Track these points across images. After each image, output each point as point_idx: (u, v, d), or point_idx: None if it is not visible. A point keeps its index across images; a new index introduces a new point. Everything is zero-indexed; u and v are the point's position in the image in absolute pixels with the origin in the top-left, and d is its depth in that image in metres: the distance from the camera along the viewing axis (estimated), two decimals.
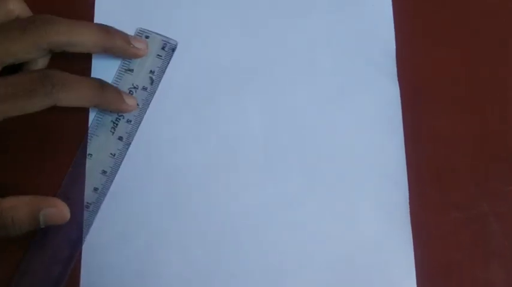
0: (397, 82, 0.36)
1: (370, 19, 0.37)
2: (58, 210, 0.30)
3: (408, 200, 0.34)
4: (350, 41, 0.36)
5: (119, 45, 0.32)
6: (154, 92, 0.34)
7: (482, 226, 0.34)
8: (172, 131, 0.34)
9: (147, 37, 0.35)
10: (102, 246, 0.32)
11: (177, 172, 0.33)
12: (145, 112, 0.34)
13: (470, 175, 0.35)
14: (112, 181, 0.33)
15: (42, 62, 0.32)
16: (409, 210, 0.34)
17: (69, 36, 0.30)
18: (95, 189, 0.32)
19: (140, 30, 0.35)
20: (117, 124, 0.33)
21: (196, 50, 0.35)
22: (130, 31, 0.34)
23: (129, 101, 0.33)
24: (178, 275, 0.32)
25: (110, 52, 0.33)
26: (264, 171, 0.34)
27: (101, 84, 0.32)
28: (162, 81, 0.34)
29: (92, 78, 0.32)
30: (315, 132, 0.35)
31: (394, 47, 0.36)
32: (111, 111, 0.33)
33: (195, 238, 0.33)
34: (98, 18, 0.35)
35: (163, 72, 0.34)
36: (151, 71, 0.34)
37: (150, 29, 0.35)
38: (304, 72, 0.35)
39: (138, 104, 0.33)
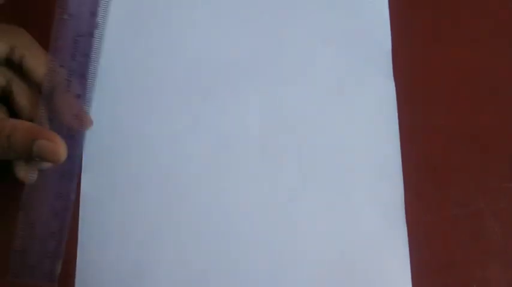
0: (393, 80, 0.36)
1: (367, 17, 0.37)
2: (54, 146, 0.28)
3: (403, 198, 0.34)
4: (346, 39, 0.36)
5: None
6: (103, 36, 0.29)
7: (479, 223, 0.34)
8: (169, 128, 0.34)
9: None
10: (97, 243, 0.32)
11: (174, 169, 0.34)
12: (98, 62, 0.30)
13: (466, 172, 0.34)
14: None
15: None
16: (404, 207, 0.34)
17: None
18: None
19: None
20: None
21: (194, 47, 0.36)
22: (129, 30, 0.34)
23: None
24: (173, 272, 0.32)
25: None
26: (260, 168, 0.34)
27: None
28: (160, 76, 0.35)
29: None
30: (311, 130, 0.35)
31: (390, 45, 0.36)
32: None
33: (191, 234, 0.33)
34: None
35: (107, 13, 0.29)
36: (91, 12, 0.29)
37: (149, 30, 0.35)
38: (301, 70, 0.36)
39: (83, 75, 0.30)
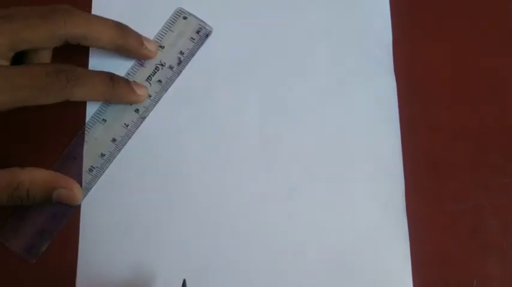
0: (394, 75, 0.36)
1: (367, 12, 0.37)
2: (72, 193, 0.31)
3: (404, 193, 0.34)
4: (347, 34, 0.36)
5: (131, 45, 0.33)
6: (180, 72, 0.35)
7: (478, 218, 0.34)
8: (170, 124, 0.34)
9: (185, 18, 0.35)
10: (98, 238, 0.32)
11: (174, 166, 0.33)
12: (166, 90, 0.34)
13: (466, 167, 0.35)
14: (119, 150, 0.33)
15: (48, 54, 0.32)
16: (405, 202, 0.34)
17: (86, 30, 0.31)
18: (102, 155, 0.33)
19: (180, 10, 0.35)
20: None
21: None
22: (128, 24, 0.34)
23: (140, 91, 0.33)
24: (175, 267, 0.32)
25: (121, 50, 0.33)
26: (261, 163, 0.34)
27: (112, 79, 0.32)
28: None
29: (103, 72, 0.32)
30: (312, 125, 0.35)
31: (391, 40, 0.36)
32: (123, 103, 0.34)
33: (192, 229, 0.33)
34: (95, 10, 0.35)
35: (192, 56, 0.35)
36: (181, 51, 0.35)
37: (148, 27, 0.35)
38: (302, 65, 0.36)
39: (150, 95, 0.34)
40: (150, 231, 0.32)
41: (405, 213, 0.34)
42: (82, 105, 0.34)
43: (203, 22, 0.35)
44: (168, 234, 0.32)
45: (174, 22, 0.35)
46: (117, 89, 0.32)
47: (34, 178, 0.30)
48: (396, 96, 0.35)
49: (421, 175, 0.34)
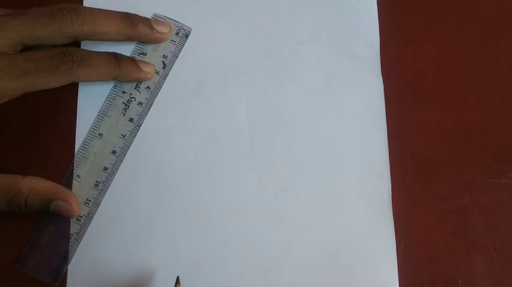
0: (381, 77, 0.36)
1: (355, 15, 0.37)
2: (69, 206, 0.31)
3: (391, 193, 0.34)
4: (335, 36, 0.37)
5: (141, 32, 0.33)
6: (166, 76, 0.35)
7: (464, 218, 0.34)
8: (159, 124, 0.34)
9: None
10: (89, 236, 0.33)
11: (164, 164, 0.34)
12: (156, 95, 0.35)
13: (452, 167, 0.35)
14: (121, 161, 0.33)
15: None
16: (391, 202, 0.34)
17: (93, 27, 0.31)
18: (105, 168, 0.33)
19: (155, 15, 0.35)
20: (128, 106, 0.34)
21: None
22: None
23: (147, 68, 0.34)
24: (164, 266, 0.33)
25: (133, 39, 0.34)
26: (249, 163, 0.34)
27: (117, 57, 0.33)
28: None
29: (108, 52, 0.33)
30: (300, 126, 0.35)
31: (379, 42, 0.37)
32: (130, 81, 0.34)
33: (182, 228, 0.33)
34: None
35: (176, 58, 0.35)
36: (164, 55, 0.35)
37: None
38: (290, 67, 0.36)
39: (141, 102, 0.34)
40: (140, 231, 0.33)
41: (391, 212, 0.34)
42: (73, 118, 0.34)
43: (180, 23, 0.35)
44: (157, 234, 0.33)
45: None
46: (122, 67, 0.33)
47: (34, 186, 0.30)
48: (383, 98, 0.36)
49: (408, 175, 0.35)
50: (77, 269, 0.32)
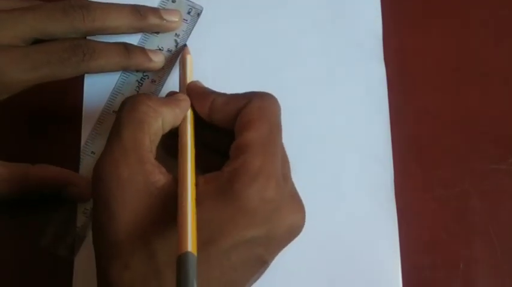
0: (384, 63, 0.36)
1: (358, 2, 0.37)
2: (79, 191, 0.32)
3: (393, 179, 0.35)
4: (337, 23, 0.37)
5: (152, 23, 0.34)
6: (179, 54, 0.35)
7: (465, 204, 0.35)
8: None
9: (173, 1, 0.35)
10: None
11: None
12: (169, 73, 0.35)
13: (454, 153, 0.35)
14: None
15: None
16: (394, 188, 0.34)
17: (104, 22, 0.32)
18: None
19: None
20: (142, 83, 0.34)
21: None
22: None
23: (156, 57, 0.34)
24: None
25: (144, 31, 0.34)
26: None
27: (126, 48, 0.33)
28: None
29: (118, 43, 0.33)
30: (302, 113, 0.35)
31: (381, 28, 0.37)
32: (140, 71, 0.34)
33: None
34: None
35: (188, 36, 0.35)
36: (176, 34, 0.35)
37: None
38: (291, 54, 0.36)
39: (154, 80, 0.34)
40: None
41: (394, 199, 0.34)
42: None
43: (192, 2, 0.35)
44: None
45: (163, 7, 0.35)
46: (132, 57, 0.33)
47: (43, 173, 0.31)
48: (386, 85, 0.36)
49: (410, 162, 0.35)
50: (82, 265, 0.32)
